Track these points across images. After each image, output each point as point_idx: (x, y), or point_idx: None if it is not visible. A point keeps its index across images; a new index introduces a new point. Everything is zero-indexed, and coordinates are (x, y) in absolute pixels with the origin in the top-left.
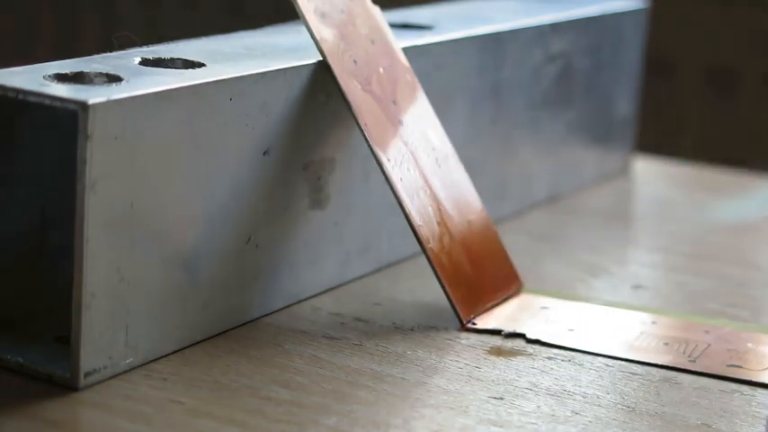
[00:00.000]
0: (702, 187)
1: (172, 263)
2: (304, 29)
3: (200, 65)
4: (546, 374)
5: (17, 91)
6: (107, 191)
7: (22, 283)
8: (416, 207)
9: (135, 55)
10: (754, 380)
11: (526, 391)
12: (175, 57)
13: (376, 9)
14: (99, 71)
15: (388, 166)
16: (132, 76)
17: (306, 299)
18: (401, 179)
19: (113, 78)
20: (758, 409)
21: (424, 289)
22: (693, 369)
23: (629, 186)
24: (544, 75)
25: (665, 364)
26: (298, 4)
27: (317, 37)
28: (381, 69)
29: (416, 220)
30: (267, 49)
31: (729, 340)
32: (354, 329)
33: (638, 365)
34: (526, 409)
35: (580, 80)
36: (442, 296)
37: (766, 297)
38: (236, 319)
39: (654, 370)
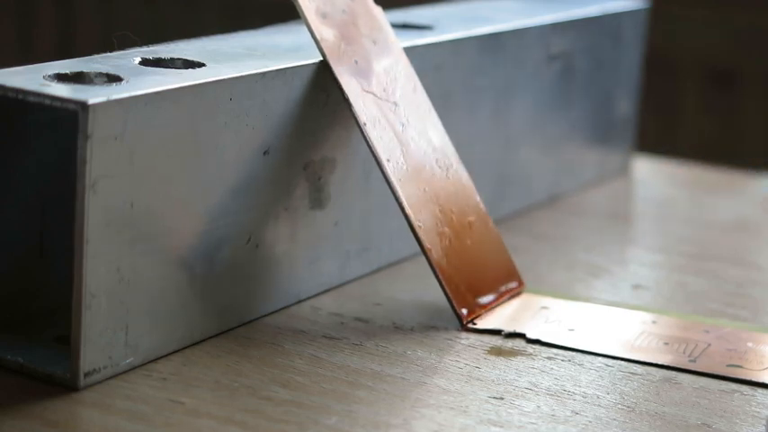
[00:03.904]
0: (702, 187)
1: (172, 263)
2: (304, 29)
3: (200, 65)
4: (546, 374)
5: (17, 91)
6: (107, 191)
7: (21, 283)
8: (415, 207)
9: (135, 55)
10: (754, 380)
11: (526, 391)
12: (175, 57)
13: (378, 9)
14: (99, 71)
15: (387, 167)
16: (132, 76)
17: (306, 299)
18: (400, 179)
19: (113, 78)
20: (758, 409)
21: (424, 289)
22: (693, 369)
23: (629, 186)
24: (544, 75)
25: (665, 363)
26: (299, 4)
27: (318, 37)
28: (382, 70)
29: (416, 220)
30: (267, 49)
31: (729, 340)
32: (354, 329)
33: (638, 365)
34: (526, 409)
35: (580, 80)
36: (442, 296)
37: (766, 297)
38: (236, 319)
39: (654, 370)
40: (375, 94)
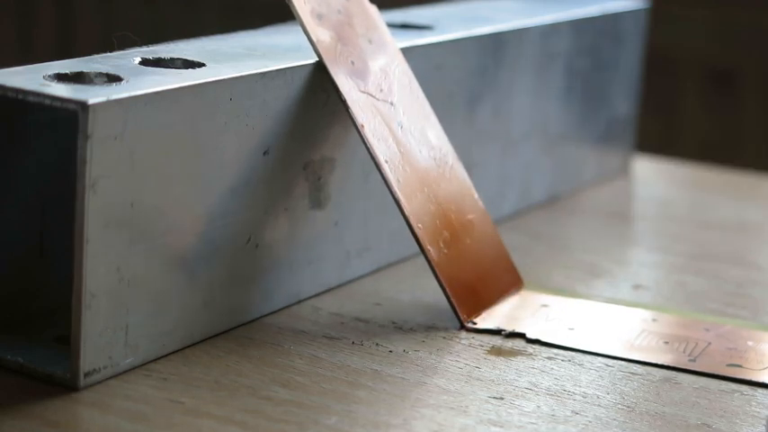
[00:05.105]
0: (702, 187)
1: (172, 263)
2: None
3: (200, 65)
4: (546, 374)
5: (17, 91)
6: (107, 191)
7: (21, 283)
8: (415, 208)
9: (135, 55)
10: (754, 379)
11: (526, 391)
12: (175, 57)
13: (373, 8)
14: (99, 71)
15: (385, 168)
16: (132, 76)
17: (306, 299)
18: (399, 180)
19: (113, 78)
20: (758, 409)
21: (424, 289)
22: (693, 369)
23: (629, 186)
24: (544, 75)
25: (665, 363)
26: (294, 5)
27: (314, 39)
28: (378, 69)
29: (414, 221)
30: (267, 49)
31: (729, 338)
32: (354, 329)
33: (638, 365)
34: (526, 409)
35: (580, 80)
36: (442, 296)
37: (766, 297)
38: (236, 319)
39: (654, 370)
40: (372, 95)
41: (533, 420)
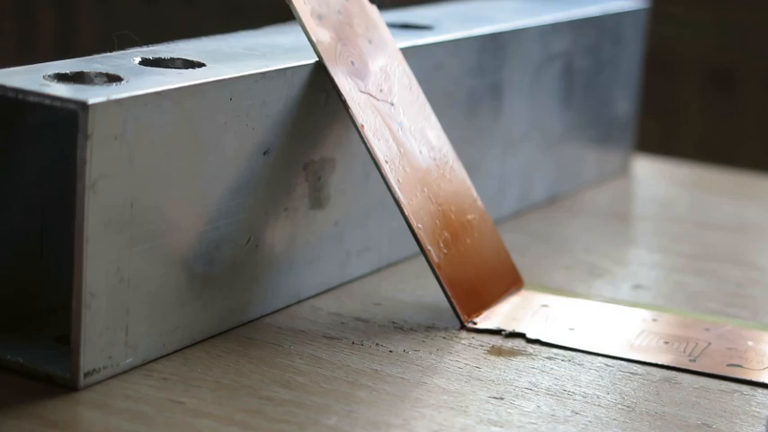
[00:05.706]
0: (702, 187)
1: (172, 263)
2: None
3: (200, 65)
4: (546, 374)
5: (17, 91)
6: (107, 191)
7: (21, 283)
8: (414, 208)
9: (135, 55)
10: (755, 379)
11: (526, 391)
12: (175, 57)
13: (373, 8)
14: (99, 71)
15: (385, 168)
16: (132, 76)
17: (306, 299)
18: (399, 180)
19: (113, 78)
20: (758, 409)
21: (424, 289)
22: (693, 369)
23: (629, 186)
24: (544, 75)
25: (665, 363)
26: (294, 5)
27: (314, 39)
28: (378, 69)
29: (414, 221)
30: (267, 49)
31: (730, 338)
32: (354, 329)
33: (638, 365)
34: (526, 409)
35: (580, 80)
36: (443, 296)
37: (766, 297)
38: (236, 319)
39: (654, 370)
40: (371, 95)
41: (533, 420)
